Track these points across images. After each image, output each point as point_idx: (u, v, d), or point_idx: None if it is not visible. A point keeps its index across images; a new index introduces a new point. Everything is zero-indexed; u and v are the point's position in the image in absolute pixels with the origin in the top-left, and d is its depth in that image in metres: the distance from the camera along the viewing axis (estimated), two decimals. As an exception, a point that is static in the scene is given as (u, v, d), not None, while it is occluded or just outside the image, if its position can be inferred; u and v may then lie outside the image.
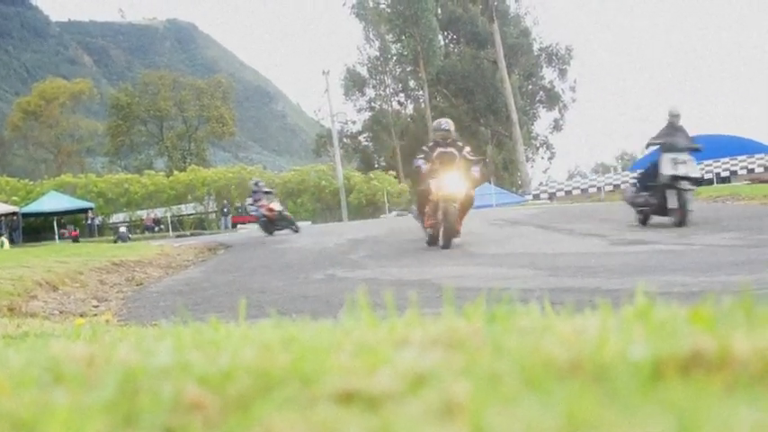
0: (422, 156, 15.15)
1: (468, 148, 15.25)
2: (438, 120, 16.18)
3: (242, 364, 1.36)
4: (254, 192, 28.09)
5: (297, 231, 26.81)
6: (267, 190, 28.82)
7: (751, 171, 50.19)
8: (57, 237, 54.73)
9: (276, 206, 26.99)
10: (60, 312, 8.47)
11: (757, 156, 51.54)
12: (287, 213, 28.18)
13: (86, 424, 1.09)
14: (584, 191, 56.61)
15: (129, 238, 47.38)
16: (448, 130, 15.28)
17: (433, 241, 14.82)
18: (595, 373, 1.22)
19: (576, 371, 1.24)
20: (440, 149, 14.92)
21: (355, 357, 1.39)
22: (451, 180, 14.37)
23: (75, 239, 53.34)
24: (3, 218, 56.04)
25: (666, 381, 1.20)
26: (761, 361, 1.23)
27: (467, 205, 14.80)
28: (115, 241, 44.35)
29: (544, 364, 1.26)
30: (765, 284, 6.04)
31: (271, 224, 26.96)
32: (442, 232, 14.26)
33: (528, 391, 1.14)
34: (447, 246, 14.04)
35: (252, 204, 28.66)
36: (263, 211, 26.84)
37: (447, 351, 1.42)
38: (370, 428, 1.03)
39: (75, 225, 62.37)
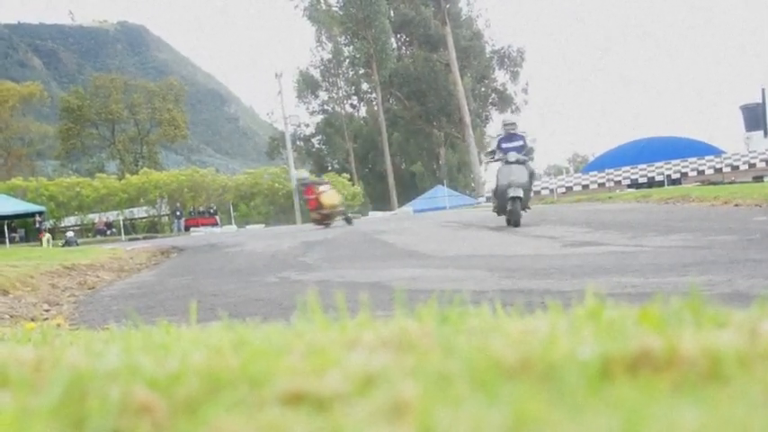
0: None
1: None
2: None
3: (191, 366, 1.35)
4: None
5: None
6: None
7: (701, 173, 50.65)
8: (7, 241, 54.01)
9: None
10: (11, 317, 8.35)
11: (707, 158, 52.04)
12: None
13: (32, 428, 1.08)
14: (536, 193, 56.77)
15: (77, 243, 46.75)
16: None
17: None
18: (544, 373, 1.23)
19: (525, 371, 1.25)
20: None
21: (305, 359, 1.39)
22: None
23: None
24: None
25: (615, 380, 1.21)
26: (707, 360, 1.24)
27: None
28: (63, 246, 43.82)
29: (493, 365, 1.27)
30: (714, 285, 6.10)
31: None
32: None
33: (476, 392, 1.14)
34: None
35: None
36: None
37: (397, 352, 1.42)
38: (318, 429, 1.03)
39: (26, 229, 61.71)
